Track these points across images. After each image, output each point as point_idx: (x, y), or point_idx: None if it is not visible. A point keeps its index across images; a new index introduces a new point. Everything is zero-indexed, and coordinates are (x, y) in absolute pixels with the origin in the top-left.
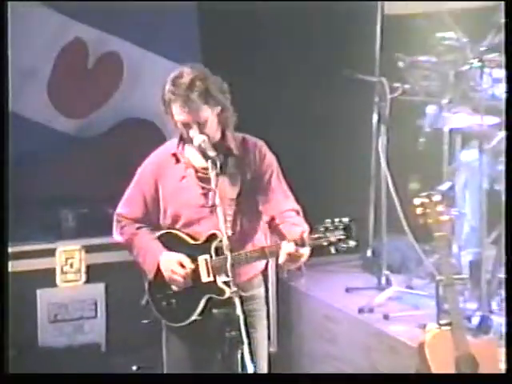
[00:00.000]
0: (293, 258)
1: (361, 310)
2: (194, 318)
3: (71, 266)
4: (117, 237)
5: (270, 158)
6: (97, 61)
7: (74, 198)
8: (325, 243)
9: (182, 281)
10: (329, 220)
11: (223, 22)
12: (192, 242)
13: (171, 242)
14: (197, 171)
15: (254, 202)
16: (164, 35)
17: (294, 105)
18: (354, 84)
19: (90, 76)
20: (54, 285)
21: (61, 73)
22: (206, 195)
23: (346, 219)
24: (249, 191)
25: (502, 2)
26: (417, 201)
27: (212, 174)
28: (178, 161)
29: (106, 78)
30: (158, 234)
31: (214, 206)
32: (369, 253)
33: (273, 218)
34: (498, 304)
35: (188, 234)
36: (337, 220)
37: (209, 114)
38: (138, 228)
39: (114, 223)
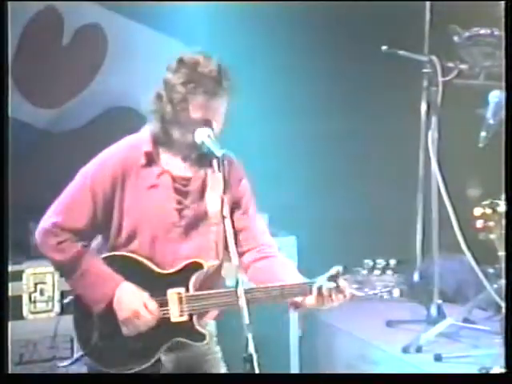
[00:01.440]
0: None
1: (406, 349)
2: (148, 363)
3: (41, 292)
4: (52, 253)
5: (246, 182)
6: (74, 35)
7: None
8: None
9: (143, 327)
10: (371, 262)
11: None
12: (158, 270)
13: (125, 268)
14: (174, 180)
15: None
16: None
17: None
18: (397, 64)
19: (66, 54)
20: (19, 317)
21: (28, 50)
22: (180, 212)
23: (393, 261)
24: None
25: None
26: (477, 211)
27: (219, 175)
28: (150, 163)
29: (85, 58)
30: (105, 254)
31: (189, 225)
32: (416, 277)
33: (248, 250)
34: None
35: (148, 259)
36: (383, 263)
37: (224, 110)
38: (84, 246)
39: (43, 235)
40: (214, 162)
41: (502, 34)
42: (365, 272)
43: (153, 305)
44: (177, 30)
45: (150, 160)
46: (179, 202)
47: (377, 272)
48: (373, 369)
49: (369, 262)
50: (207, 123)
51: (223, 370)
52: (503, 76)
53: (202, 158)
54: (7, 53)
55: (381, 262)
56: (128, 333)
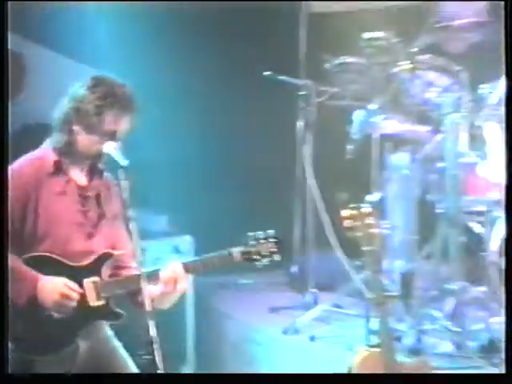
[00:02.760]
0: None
1: (285, 331)
2: (68, 348)
3: None
4: None
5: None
6: None
7: None
8: (255, 256)
9: (72, 305)
10: (260, 232)
11: (134, 22)
12: (72, 264)
13: (43, 266)
14: (79, 187)
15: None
16: (74, 35)
17: (208, 112)
18: (276, 87)
19: None
20: None
21: None
22: (85, 213)
23: (272, 231)
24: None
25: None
26: (345, 213)
27: (125, 183)
28: (57, 172)
29: None
30: (26, 256)
31: (94, 224)
32: (294, 269)
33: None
34: (430, 322)
35: (63, 256)
36: (265, 233)
37: (129, 126)
38: None
39: None
40: (120, 171)
41: (365, 61)
42: (251, 243)
43: (73, 284)
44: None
45: (58, 169)
46: (83, 205)
47: (261, 241)
48: (257, 349)
49: (253, 235)
50: (114, 136)
51: (125, 353)
52: (506, 75)
53: (104, 167)
54: (7, 53)
55: (261, 234)
56: (59, 315)
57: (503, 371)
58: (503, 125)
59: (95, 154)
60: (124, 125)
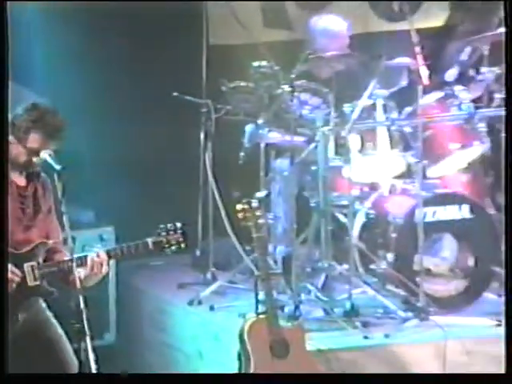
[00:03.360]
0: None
1: (190, 303)
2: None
3: None
4: None
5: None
6: None
7: None
8: (165, 245)
9: (14, 285)
10: (170, 224)
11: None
12: (14, 251)
13: None
14: (18, 188)
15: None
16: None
17: (129, 121)
18: (184, 105)
19: None
20: None
21: None
22: (23, 210)
23: (180, 224)
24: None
25: None
26: (238, 207)
27: (58, 184)
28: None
29: None
30: None
31: (31, 219)
32: (197, 252)
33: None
34: (306, 294)
35: (10, 246)
36: (174, 225)
37: (53, 146)
38: None
39: None
40: (54, 174)
41: (253, 85)
42: (162, 234)
43: (14, 269)
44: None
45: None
46: (22, 203)
47: (170, 232)
48: (168, 318)
49: (164, 227)
50: (37, 153)
51: (56, 322)
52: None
53: (37, 171)
54: (7, 53)
55: (171, 226)
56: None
57: (364, 334)
58: (363, 135)
59: (24, 163)
60: (47, 145)
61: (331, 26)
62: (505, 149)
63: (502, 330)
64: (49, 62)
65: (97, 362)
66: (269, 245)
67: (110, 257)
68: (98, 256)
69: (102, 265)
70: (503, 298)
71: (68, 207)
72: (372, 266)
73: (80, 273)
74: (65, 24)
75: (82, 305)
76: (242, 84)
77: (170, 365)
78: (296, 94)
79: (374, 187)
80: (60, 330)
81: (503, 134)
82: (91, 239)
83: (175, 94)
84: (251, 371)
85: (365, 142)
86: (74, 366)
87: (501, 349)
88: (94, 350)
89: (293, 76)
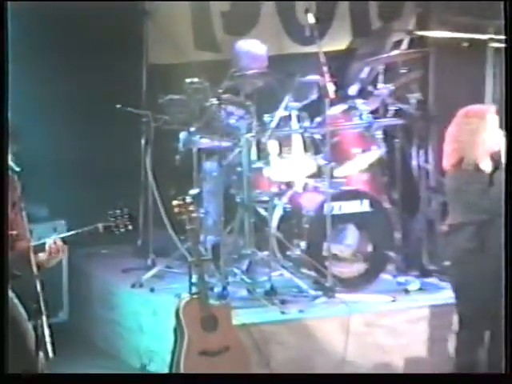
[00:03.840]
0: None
1: (133, 285)
2: None
3: None
4: None
5: None
6: None
7: None
8: (114, 228)
9: None
10: (118, 210)
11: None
12: None
13: None
14: None
15: None
16: None
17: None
18: (127, 116)
19: None
20: None
21: None
22: None
23: (126, 209)
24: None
25: None
26: (174, 202)
27: (19, 184)
28: None
29: None
30: None
31: None
32: (139, 242)
33: None
34: (232, 276)
35: None
36: (121, 210)
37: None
38: None
39: None
40: (15, 176)
41: (186, 98)
42: (112, 218)
43: None
44: None
45: None
46: None
47: (118, 217)
48: (114, 298)
49: (112, 213)
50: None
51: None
52: (505, 75)
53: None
54: (7, 53)
55: (119, 211)
56: None
57: (281, 309)
58: (281, 141)
59: None
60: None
61: (253, 48)
62: (506, 150)
63: (396, 305)
64: None
65: (51, 336)
66: (200, 235)
67: (65, 242)
68: (54, 242)
69: (58, 249)
70: (397, 279)
71: (26, 204)
72: (288, 253)
73: (40, 257)
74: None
75: (38, 287)
76: (177, 97)
77: (115, 338)
78: (223, 106)
79: (289, 185)
80: (21, 309)
81: (397, 140)
82: (46, 231)
83: (118, 106)
84: (185, 343)
85: (282, 146)
86: (32, 340)
87: (395, 321)
88: (50, 326)
89: (220, 91)
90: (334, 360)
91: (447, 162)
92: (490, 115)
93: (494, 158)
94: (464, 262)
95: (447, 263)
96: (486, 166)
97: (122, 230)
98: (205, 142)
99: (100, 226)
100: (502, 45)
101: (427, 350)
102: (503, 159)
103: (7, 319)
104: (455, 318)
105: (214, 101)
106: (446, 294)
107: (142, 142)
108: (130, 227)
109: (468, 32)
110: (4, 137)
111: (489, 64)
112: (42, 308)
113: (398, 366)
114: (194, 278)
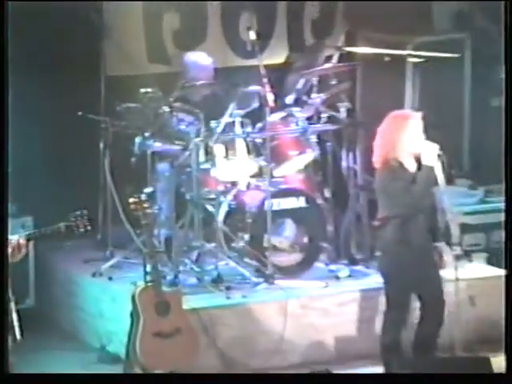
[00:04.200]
0: None
1: (94, 274)
2: None
3: None
4: None
5: None
6: None
7: None
8: (74, 228)
9: None
10: (78, 212)
11: None
12: None
13: None
14: None
15: None
16: None
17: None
18: (88, 122)
19: None
20: None
21: None
22: None
23: (86, 211)
24: None
25: None
26: (131, 200)
27: None
28: None
29: None
30: None
31: None
32: (99, 236)
33: None
34: (183, 266)
35: None
36: (81, 212)
37: None
38: None
39: None
40: None
41: (141, 106)
42: (73, 219)
43: None
44: None
45: None
46: None
47: (79, 218)
48: (76, 287)
49: (73, 214)
50: None
51: None
52: (505, 75)
53: None
54: (7, 53)
55: (79, 213)
56: None
57: (227, 295)
58: (226, 145)
59: None
60: None
61: (200, 60)
62: (505, 148)
63: (328, 290)
64: None
65: (19, 320)
66: (154, 229)
67: (29, 240)
68: (18, 241)
69: (21, 247)
70: (329, 267)
71: None
72: (233, 244)
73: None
74: None
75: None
76: (133, 105)
77: (77, 322)
78: (174, 113)
79: (234, 184)
80: None
81: (329, 144)
82: (15, 227)
83: (80, 113)
84: (140, 326)
85: (227, 149)
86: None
87: (327, 304)
88: (18, 311)
89: (171, 99)
90: (274, 339)
91: (375, 159)
92: (414, 119)
93: (417, 158)
94: (391, 252)
95: (378, 253)
96: (410, 165)
97: (82, 230)
98: (158, 146)
99: (62, 225)
100: (420, 60)
101: (356, 329)
102: (424, 161)
103: (7, 319)
104: (383, 300)
105: (166, 109)
106: (371, 280)
107: (101, 145)
108: (89, 228)
109: (390, 48)
110: (4, 137)
111: (408, 76)
112: (10, 295)
113: (330, 343)
114: (149, 268)
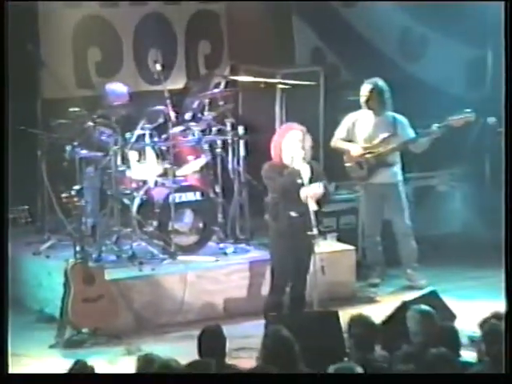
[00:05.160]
0: None
1: (34, 253)
2: None
3: None
4: None
5: None
6: None
7: None
8: (18, 220)
9: None
10: (20, 207)
11: None
12: None
13: None
14: None
15: None
16: None
17: None
18: (30, 135)
19: None
20: None
21: None
22: None
23: (27, 207)
24: None
25: None
26: (63, 195)
27: None
28: None
29: None
30: None
31: None
32: (38, 223)
33: None
34: (105, 247)
35: None
36: (22, 208)
37: None
38: None
39: None
40: None
41: (71, 121)
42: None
43: None
44: None
45: None
46: None
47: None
48: (20, 263)
49: (15, 209)
50: None
51: None
52: (506, 75)
53: None
54: (7, 52)
55: (21, 208)
56: None
57: (139, 268)
58: (139, 151)
59: None
60: None
61: (117, 89)
62: (505, 150)
63: (218, 263)
64: None
65: None
66: (82, 218)
67: None
68: None
69: None
70: (220, 245)
71: None
72: (144, 229)
73: None
74: None
75: None
76: (64, 121)
77: (21, 292)
78: (97, 127)
79: (145, 182)
80: None
81: (218, 150)
82: None
83: (22, 127)
84: (71, 294)
85: (139, 155)
86: None
87: (217, 274)
88: None
89: (95, 117)
90: (176, 302)
91: (269, 159)
92: (295, 131)
93: (290, 161)
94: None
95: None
96: (285, 164)
97: (23, 221)
98: (84, 153)
99: (10, 217)
100: (287, 86)
101: (239, 293)
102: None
103: (7, 319)
104: (260, 270)
105: (91, 124)
106: (251, 255)
107: (39, 153)
108: (29, 219)
109: (263, 77)
110: (4, 137)
111: (277, 99)
112: None
113: (220, 304)
114: (78, 248)
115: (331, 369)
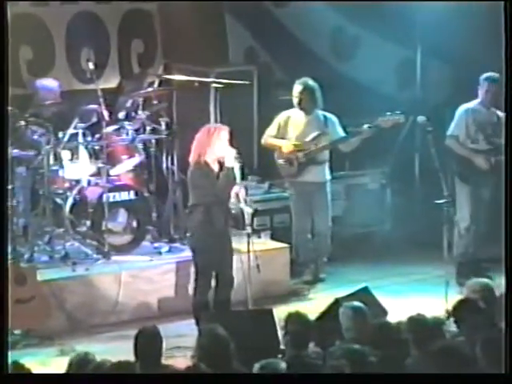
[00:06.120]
0: None
1: None
2: None
3: None
4: None
5: None
6: None
7: None
8: None
9: None
10: None
11: None
12: None
13: None
14: None
15: None
16: None
17: None
18: None
19: None
20: None
21: None
22: None
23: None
24: None
25: None
26: None
27: None
28: None
29: None
30: None
31: None
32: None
33: None
34: (38, 247)
35: None
36: None
37: None
38: None
39: None
40: None
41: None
42: None
43: None
44: None
45: None
46: None
47: None
48: None
49: None
50: None
51: None
52: (505, 75)
53: None
54: (7, 52)
55: None
56: None
57: (73, 269)
58: (72, 150)
59: None
60: None
61: (48, 84)
62: (505, 151)
63: (152, 263)
64: None
65: None
66: (14, 218)
67: None
68: None
69: None
70: (154, 244)
71: None
72: (78, 229)
73: None
74: None
75: None
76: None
77: None
78: (29, 126)
79: (78, 182)
80: None
81: (152, 149)
82: None
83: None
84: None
85: (72, 154)
86: None
87: (152, 273)
88: None
89: (27, 115)
90: (110, 302)
91: (191, 159)
92: (221, 131)
93: (220, 161)
94: (198, 233)
95: (188, 234)
96: (214, 165)
97: None
98: (16, 152)
99: None
100: (220, 85)
101: (174, 292)
102: (227, 163)
103: (7, 318)
104: (193, 270)
105: (22, 123)
106: (185, 254)
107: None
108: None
109: (197, 76)
110: (4, 136)
111: (211, 98)
112: None
113: (154, 304)
114: (9, 249)
115: (256, 367)
